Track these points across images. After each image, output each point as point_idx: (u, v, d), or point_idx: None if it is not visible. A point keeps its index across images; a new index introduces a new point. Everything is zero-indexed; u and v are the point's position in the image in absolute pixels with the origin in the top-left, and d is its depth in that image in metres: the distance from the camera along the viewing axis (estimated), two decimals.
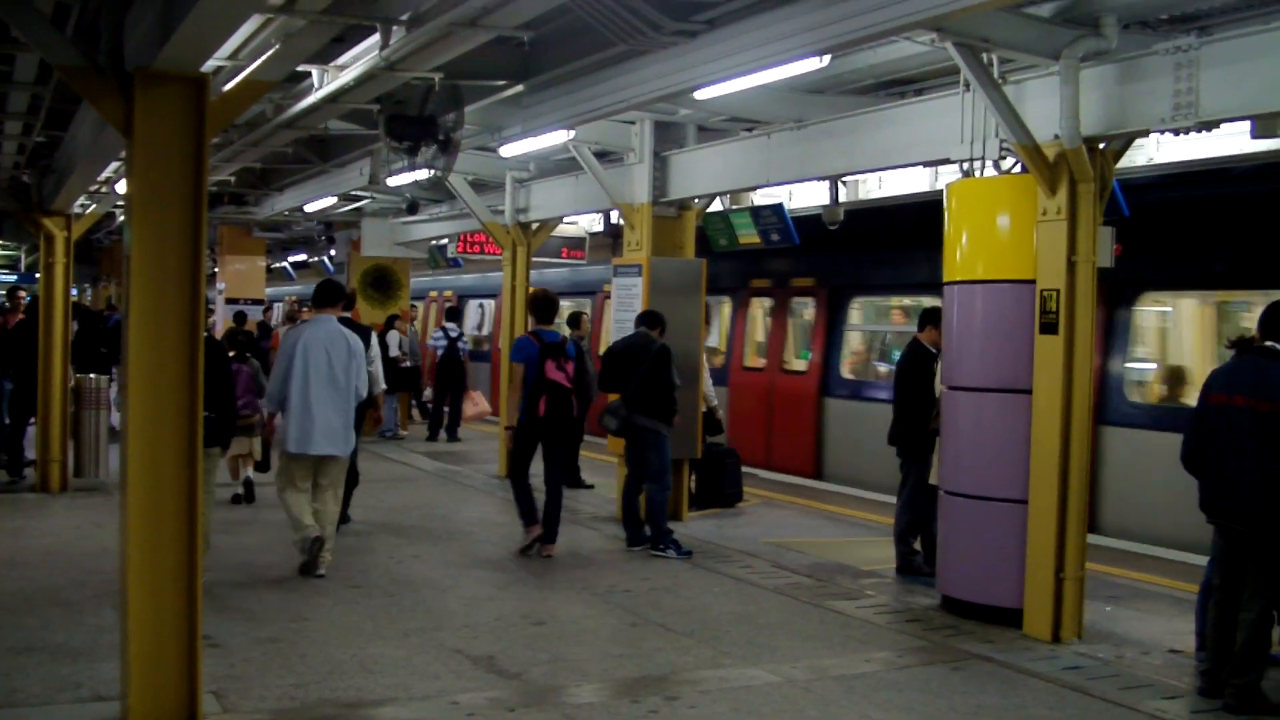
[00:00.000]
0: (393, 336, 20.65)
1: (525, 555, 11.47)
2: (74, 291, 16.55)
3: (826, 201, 15.21)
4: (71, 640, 8.22)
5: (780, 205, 15.27)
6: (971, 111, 9.32)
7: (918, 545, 11.06)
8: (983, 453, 9.33)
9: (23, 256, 44.43)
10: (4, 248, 42.88)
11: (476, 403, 20.65)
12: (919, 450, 10.77)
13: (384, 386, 13.88)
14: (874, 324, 18.12)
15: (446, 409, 21.60)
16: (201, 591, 6.61)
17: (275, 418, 10.69)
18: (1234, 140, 10.63)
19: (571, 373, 11.47)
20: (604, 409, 12.29)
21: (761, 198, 16.69)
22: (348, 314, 11.93)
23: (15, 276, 44.18)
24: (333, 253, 28.15)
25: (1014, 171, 9.37)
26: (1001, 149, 9.20)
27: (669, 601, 9.83)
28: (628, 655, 8.32)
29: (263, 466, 13.10)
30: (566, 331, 13.94)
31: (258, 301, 30.21)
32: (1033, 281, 8.92)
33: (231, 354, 11.11)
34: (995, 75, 8.88)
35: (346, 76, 10.36)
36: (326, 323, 10.67)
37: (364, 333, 12.43)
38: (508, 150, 14.02)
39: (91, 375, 15.02)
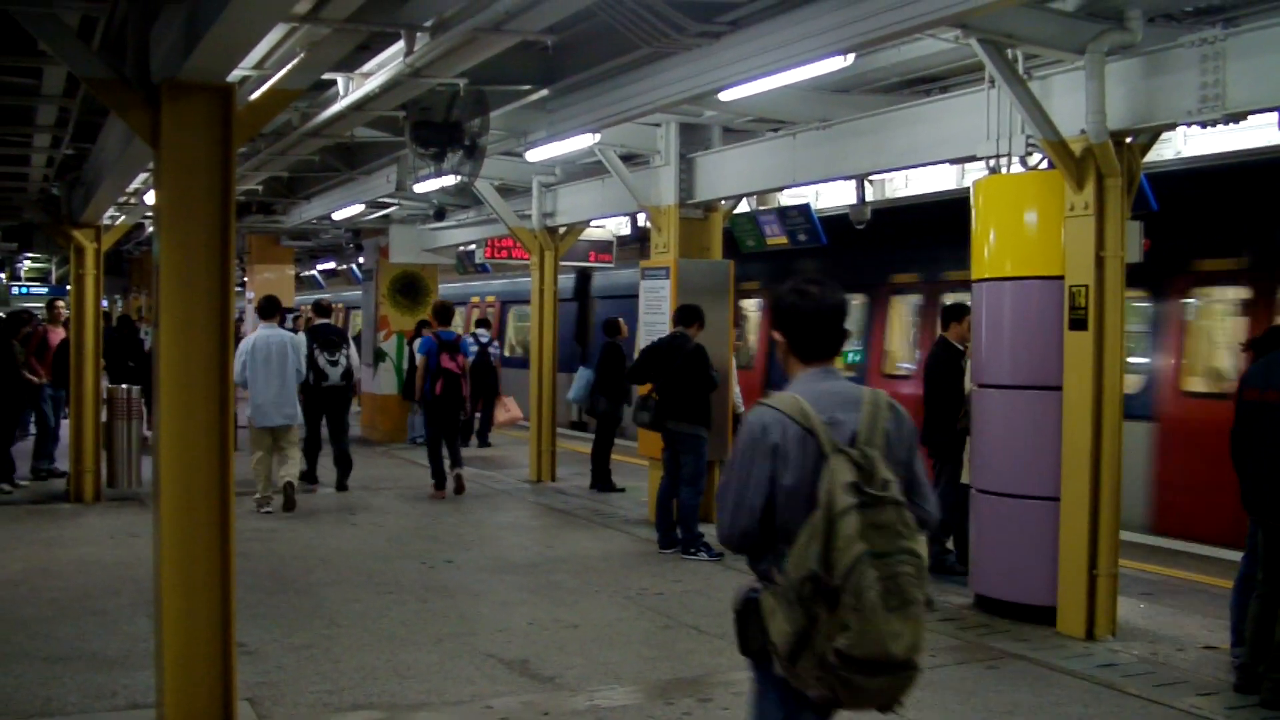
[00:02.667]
0: (420, 344, 20.76)
1: (437, 498, 15.34)
2: (104, 303, 16.63)
3: (854, 201, 15.21)
4: (107, 649, 8.28)
5: (807, 205, 15.27)
6: (997, 108, 9.30)
7: (950, 544, 11.05)
8: (1014, 450, 9.32)
9: (54, 269, 44.70)
10: (35, 260, 43.09)
11: (509, 408, 20.70)
12: (951, 449, 10.75)
13: (359, 376, 17.03)
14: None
15: (478, 415, 21.66)
16: (235, 599, 6.65)
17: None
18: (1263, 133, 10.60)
19: (461, 363, 15.50)
20: (635, 404, 12.50)
21: (788, 198, 16.70)
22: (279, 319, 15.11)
23: (47, 289, 44.44)
24: (361, 260, 28.21)
25: (1041, 167, 9.34)
26: (1028, 145, 9.18)
27: (701, 604, 9.84)
28: (660, 658, 8.33)
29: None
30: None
31: (288, 310, 30.34)
32: (1061, 278, 8.90)
33: None
34: (1020, 71, 8.88)
35: (372, 84, 10.39)
36: (271, 329, 14.48)
37: (341, 335, 16.27)
38: (534, 155, 14.05)
39: (124, 385, 15.10)
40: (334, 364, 15.55)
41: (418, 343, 16.99)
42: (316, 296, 19.34)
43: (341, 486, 15.89)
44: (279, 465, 14.28)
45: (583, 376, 17.42)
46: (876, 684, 4.07)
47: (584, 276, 25.15)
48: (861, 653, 3.92)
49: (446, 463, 15.71)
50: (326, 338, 15.70)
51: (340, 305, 37.39)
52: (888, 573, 3.90)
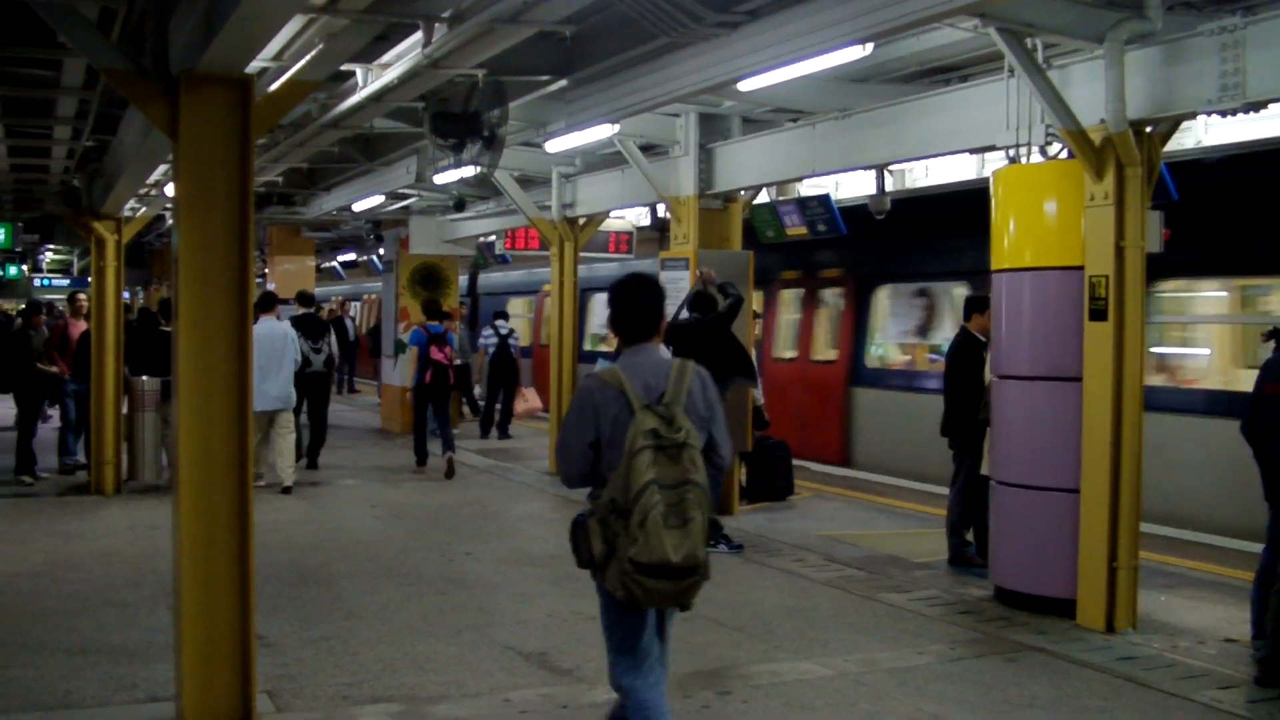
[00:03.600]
0: None
1: (419, 473, 16.85)
2: (125, 295, 16.69)
3: (873, 191, 15.17)
4: (127, 641, 8.31)
5: (827, 195, 15.23)
6: (1016, 97, 9.27)
7: (970, 536, 11.03)
8: (1033, 442, 9.29)
9: (75, 261, 44.81)
10: (56, 252, 43.20)
11: (527, 399, 20.74)
12: (971, 441, 10.72)
13: (336, 361, 18.53)
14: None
15: (498, 406, 21.67)
16: (254, 591, 6.67)
17: None
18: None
19: (449, 354, 17.07)
20: None
21: (808, 188, 16.67)
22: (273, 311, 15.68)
23: (68, 281, 44.58)
24: (381, 251, 28.22)
25: (1060, 157, 9.32)
26: (1047, 135, 9.15)
27: (720, 596, 9.83)
28: (679, 650, 8.28)
29: None
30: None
31: (310, 299, 30.40)
32: (1081, 268, 8.86)
33: None
34: (1039, 60, 8.84)
35: (390, 75, 10.40)
36: (267, 321, 15.05)
37: (323, 325, 17.71)
38: (553, 145, 14.04)
39: (144, 378, 15.15)
40: (317, 351, 16.98)
41: (408, 334, 17.97)
42: (299, 289, 19.85)
43: (313, 464, 17.14)
44: (275, 445, 15.30)
45: (603, 367, 17.37)
46: (662, 586, 5.17)
47: (473, 277, 25.77)
48: (646, 559, 5.07)
49: (443, 456, 16.75)
50: (311, 327, 16.99)
51: (372, 296, 37.39)
52: (672, 498, 5.08)
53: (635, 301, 5.69)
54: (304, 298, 18.46)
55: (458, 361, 19.75)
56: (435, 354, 16.81)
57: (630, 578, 5.14)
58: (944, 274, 16.78)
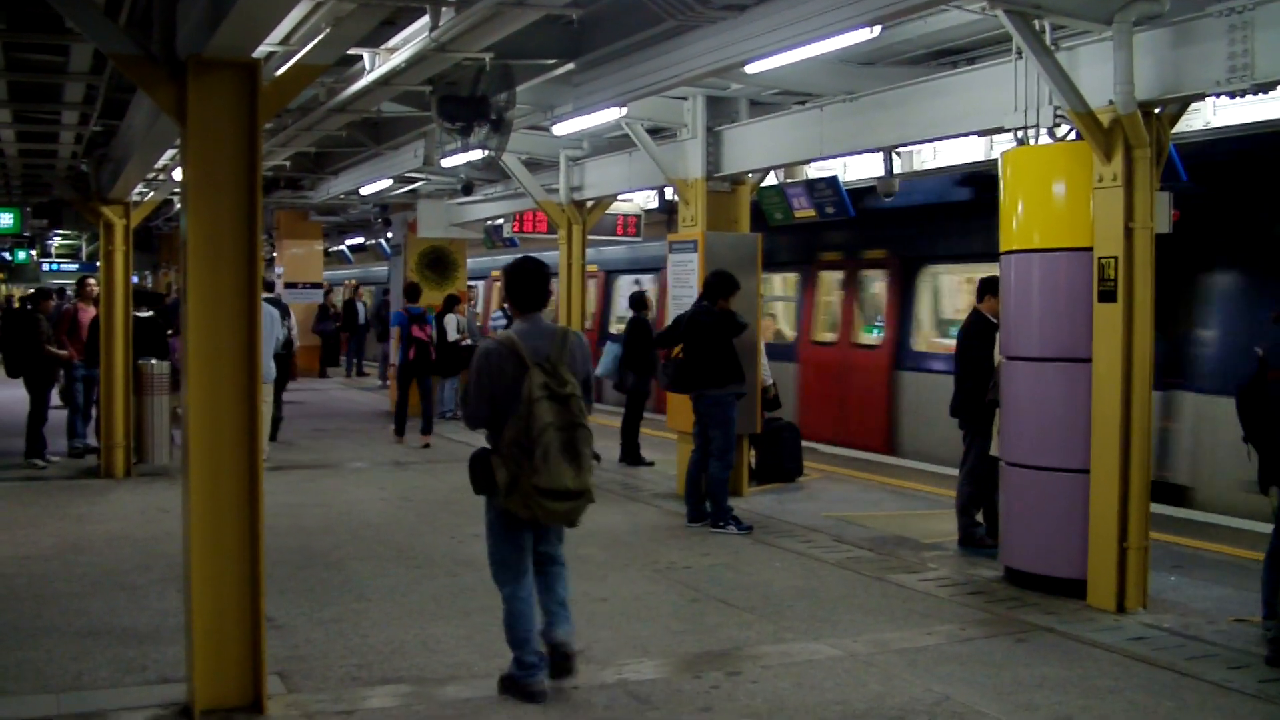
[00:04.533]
0: (450, 319, 20.70)
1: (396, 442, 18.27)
2: (134, 279, 16.71)
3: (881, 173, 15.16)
4: (137, 623, 8.33)
5: (835, 178, 15.23)
6: (1024, 79, 9.24)
7: (980, 517, 11.02)
8: (1043, 423, 9.27)
9: (84, 245, 44.91)
10: (65, 237, 43.29)
11: None
12: (981, 422, 10.71)
13: (296, 344, 20.62)
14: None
15: None
16: (264, 573, 6.68)
17: None
18: None
19: (429, 332, 18.64)
20: (660, 367, 12.89)
21: (816, 170, 16.65)
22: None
23: (77, 265, 44.66)
24: (389, 235, 28.26)
25: (1069, 139, 9.29)
26: (1056, 116, 9.11)
27: (730, 577, 9.85)
28: (689, 631, 8.34)
29: None
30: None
31: (315, 285, 30.40)
32: (1090, 249, 8.85)
33: None
34: (1048, 42, 8.80)
35: (398, 59, 10.41)
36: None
37: (283, 308, 17.92)
38: (560, 129, 14.05)
39: (153, 361, 15.17)
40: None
41: (392, 315, 19.51)
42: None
43: (272, 437, 17.21)
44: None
45: (610, 352, 17.32)
46: (560, 507, 6.66)
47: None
48: (548, 485, 6.54)
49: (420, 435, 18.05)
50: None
51: (352, 282, 37.39)
52: (565, 438, 6.59)
53: (530, 280, 7.08)
54: (266, 284, 18.61)
55: (467, 342, 19.82)
56: (417, 332, 18.40)
57: (534, 500, 6.58)
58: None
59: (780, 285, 20.60)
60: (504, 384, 6.67)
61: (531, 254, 7.28)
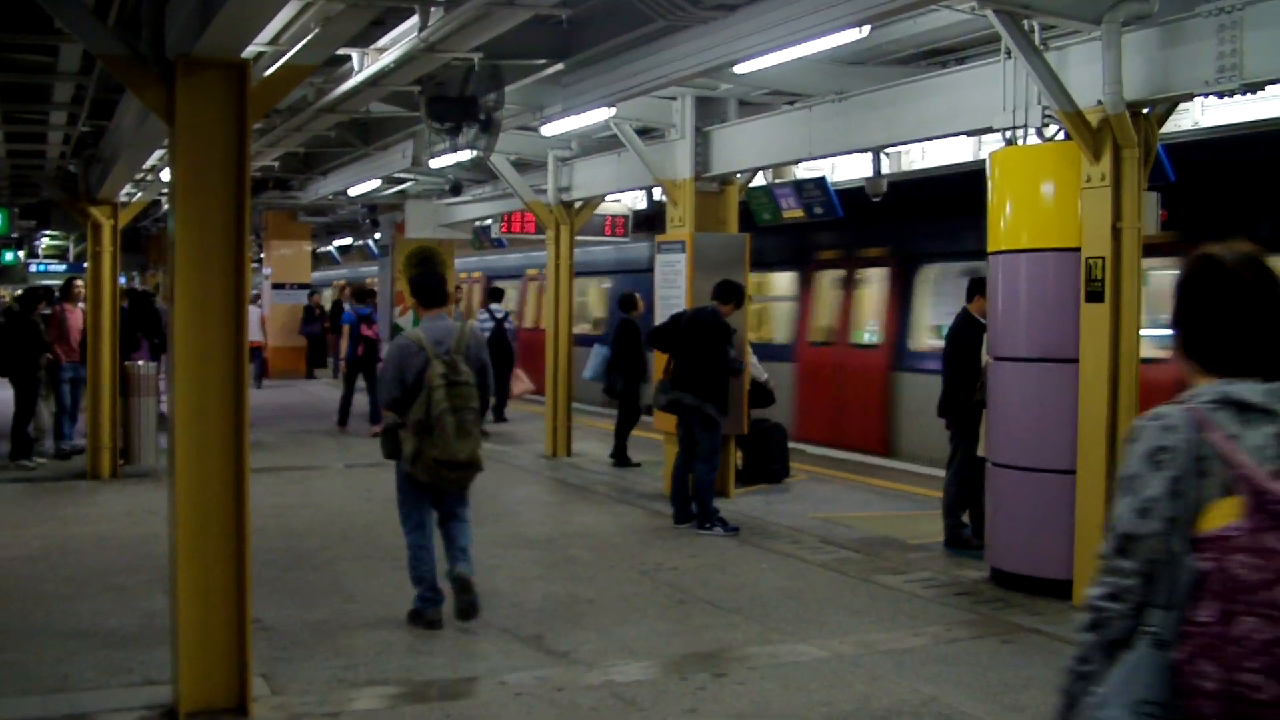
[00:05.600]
0: None
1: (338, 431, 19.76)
2: (122, 279, 16.71)
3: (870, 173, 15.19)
4: (124, 626, 8.32)
5: (824, 178, 15.24)
6: (1013, 79, 9.26)
7: (966, 518, 11.03)
8: (1029, 424, 9.29)
9: (71, 246, 44.77)
10: (53, 238, 43.16)
11: (521, 379, 20.75)
12: (968, 422, 10.72)
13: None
14: None
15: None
16: (250, 575, 6.68)
17: None
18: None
19: (375, 332, 19.87)
20: (655, 388, 12.41)
21: (805, 171, 16.67)
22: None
23: (65, 266, 44.54)
24: (378, 235, 28.28)
25: (1057, 139, 9.31)
26: (1044, 116, 9.14)
27: (716, 578, 9.85)
28: (675, 633, 8.35)
29: None
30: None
31: (304, 286, 30.38)
32: (1078, 249, 8.86)
33: None
34: (1037, 42, 8.83)
35: (386, 59, 10.40)
36: None
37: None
38: (549, 129, 14.05)
39: (140, 362, 15.15)
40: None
41: (404, 318, 19.69)
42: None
43: None
44: None
45: (598, 354, 17.22)
46: (454, 475, 8.18)
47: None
48: (444, 457, 8.02)
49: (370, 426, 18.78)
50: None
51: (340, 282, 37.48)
52: (459, 419, 8.04)
53: (434, 284, 8.68)
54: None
55: None
56: (366, 330, 19.80)
57: (434, 469, 8.06)
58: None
59: (776, 286, 20.44)
60: (411, 372, 8.12)
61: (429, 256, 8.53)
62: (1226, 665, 2.55)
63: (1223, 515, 2.65)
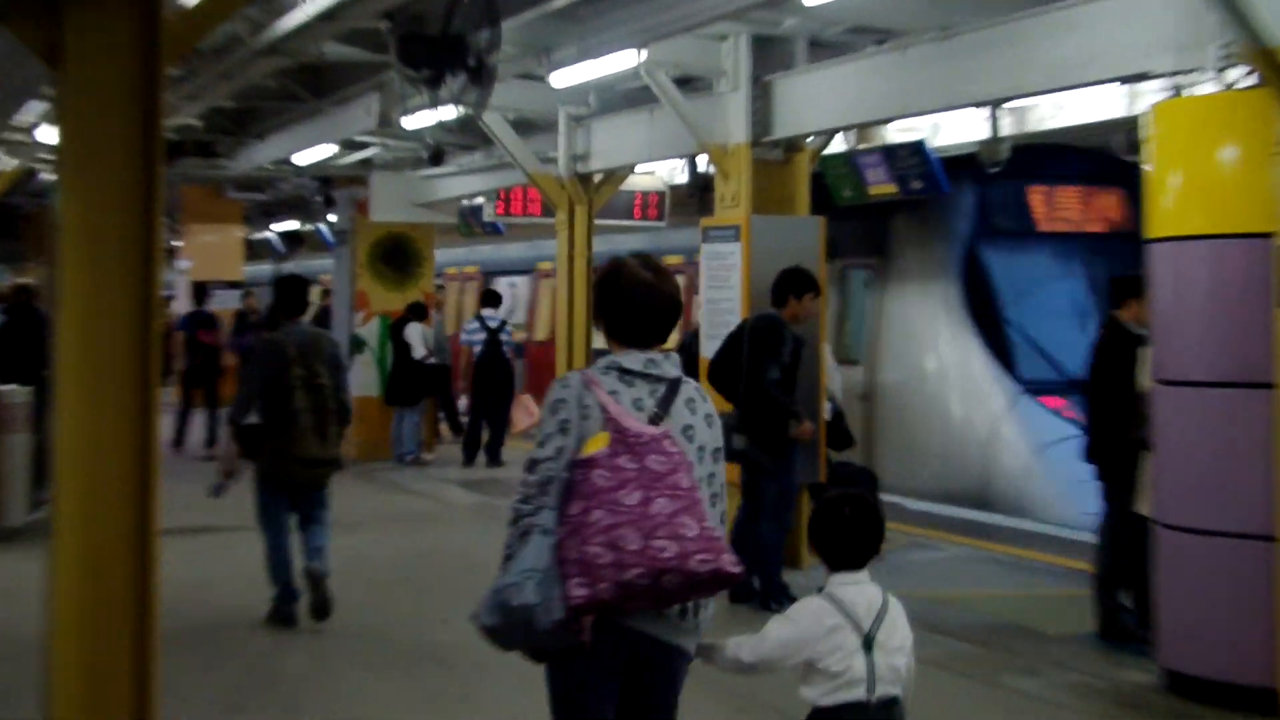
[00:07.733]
0: (414, 331, 20.55)
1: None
2: None
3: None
4: None
5: (922, 142, 15.16)
6: (1180, 7, 9.13)
7: (1128, 600, 10.82)
8: (1209, 469, 9.09)
9: None
10: None
11: (529, 410, 20.47)
12: (1123, 468, 10.51)
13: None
14: None
15: (486, 423, 21.39)
16: (159, 678, 6.50)
17: None
18: None
19: (215, 338, 23.40)
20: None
21: (897, 132, 16.58)
22: None
23: None
24: (332, 218, 28.17)
25: (1242, 86, 9.13)
26: (1225, 56, 8.97)
27: (788, 678, 9.69)
28: None
29: None
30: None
31: (234, 285, 30.18)
32: (1271, 235, 8.69)
33: None
34: None
35: None
36: None
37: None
38: (560, 79, 14.00)
39: (12, 387, 15.05)
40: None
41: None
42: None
43: None
44: None
45: None
46: (311, 473, 10.90)
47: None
48: (301, 454, 10.71)
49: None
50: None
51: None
52: (313, 419, 10.73)
53: (293, 292, 11.49)
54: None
55: (432, 360, 19.71)
56: (204, 337, 23.00)
57: (293, 466, 10.77)
58: None
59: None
60: (272, 375, 10.76)
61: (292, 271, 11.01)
62: (582, 541, 4.84)
63: (595, 445, 4.95)
